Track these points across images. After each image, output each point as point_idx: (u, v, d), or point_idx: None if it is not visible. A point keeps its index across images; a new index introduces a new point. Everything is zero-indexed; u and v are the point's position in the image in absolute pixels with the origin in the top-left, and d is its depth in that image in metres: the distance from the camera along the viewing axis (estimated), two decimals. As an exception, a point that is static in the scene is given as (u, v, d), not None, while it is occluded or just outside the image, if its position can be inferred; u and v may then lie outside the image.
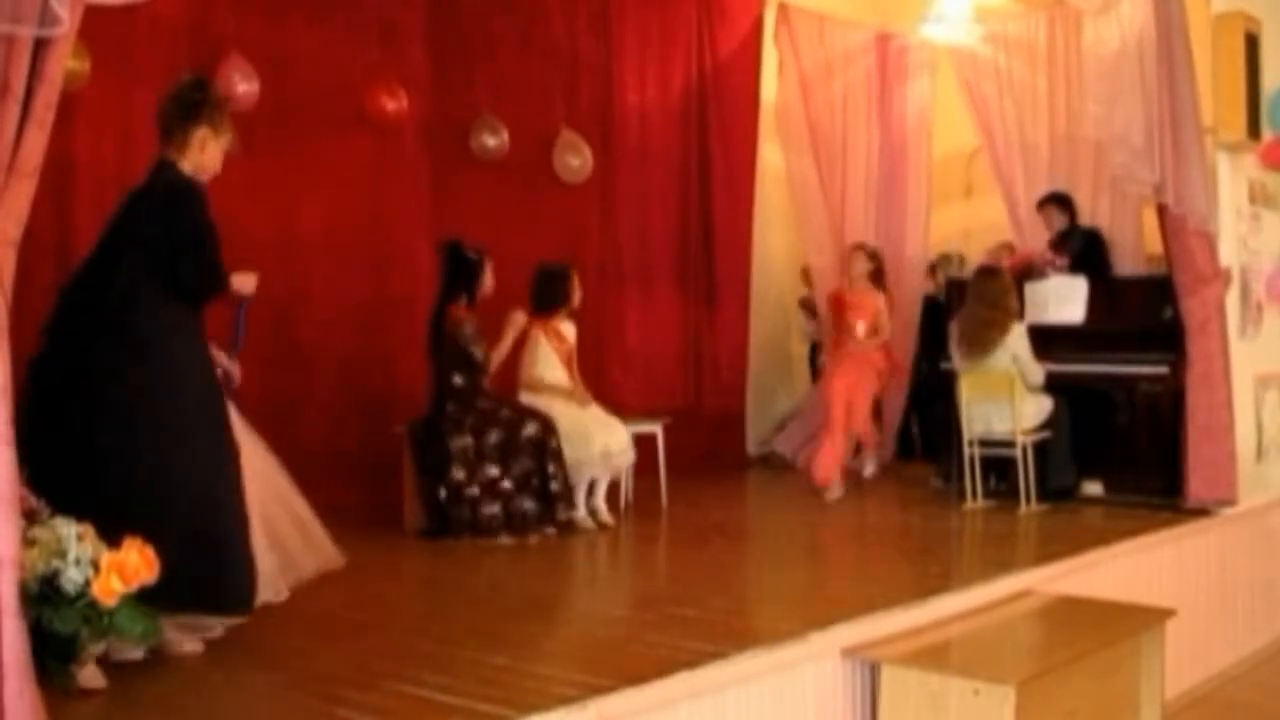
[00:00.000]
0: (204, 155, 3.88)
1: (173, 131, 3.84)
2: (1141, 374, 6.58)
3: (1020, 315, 6.68)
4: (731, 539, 6.08)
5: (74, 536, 3.13)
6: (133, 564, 3.14)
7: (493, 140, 7.40)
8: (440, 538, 5.68)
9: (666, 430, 6.88)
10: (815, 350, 9.20)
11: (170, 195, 3.75)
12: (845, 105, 8.72)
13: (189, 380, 3.72)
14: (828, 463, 6.96)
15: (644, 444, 6.84)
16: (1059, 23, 7.77)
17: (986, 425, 6.48)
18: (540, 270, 6.39)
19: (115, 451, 3.51)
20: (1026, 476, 6.35)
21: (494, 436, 5.79)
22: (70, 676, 3.17)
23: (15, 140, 2.67)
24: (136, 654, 3.47)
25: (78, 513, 3.19)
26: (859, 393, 7.38)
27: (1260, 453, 6.91)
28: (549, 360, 6.30)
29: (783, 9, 8.62)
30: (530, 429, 5.84)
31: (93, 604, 3.10)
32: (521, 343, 6.27)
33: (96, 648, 3.23)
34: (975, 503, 6.52)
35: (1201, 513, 6.16)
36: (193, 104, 3.85)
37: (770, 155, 9.06)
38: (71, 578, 3.08)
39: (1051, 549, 5.30)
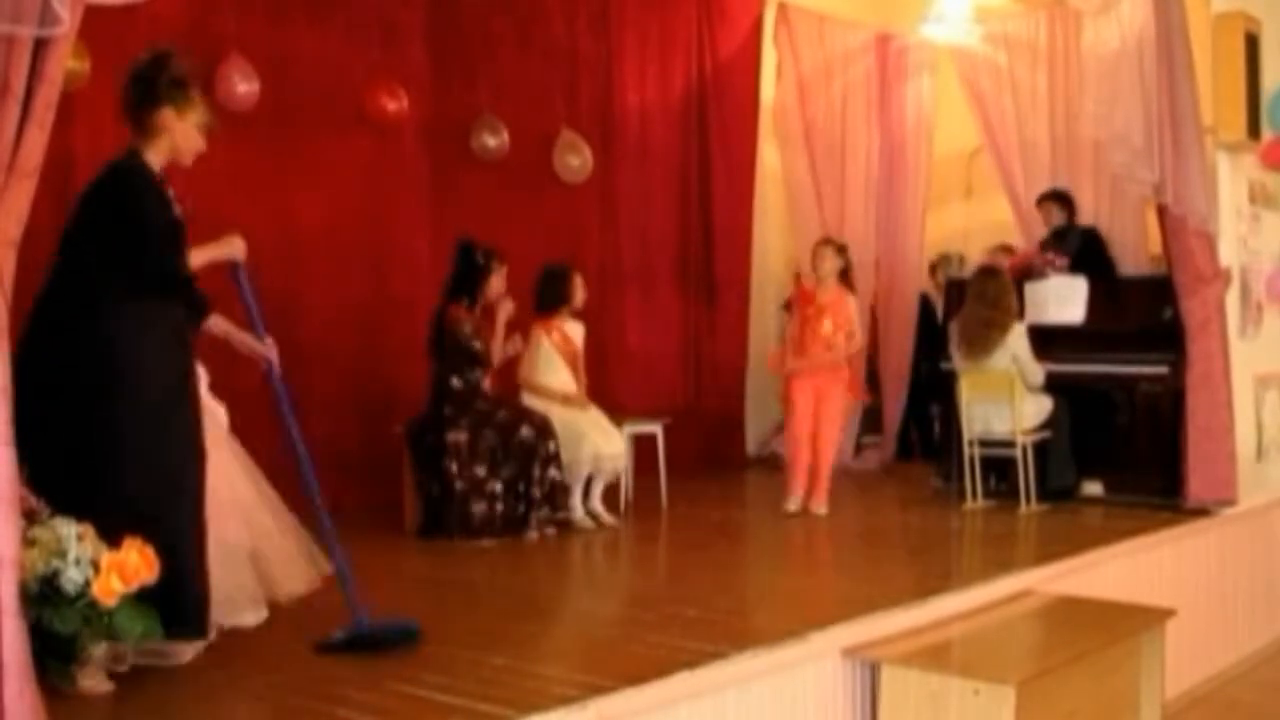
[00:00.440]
0: (175, 138, 3.61)
1: (135, 117, 3.55)
2: (1141, 374, 6.59)
3: (1020, 315, 6.68)
4: (731, 539, 6.08)
5: (74, 536, 3.13)
6: (133, 564, 3.15)
7: (493, 140, 7.40)
8: (434, 536, 5.68)
9: (666, 430, 6.88)
10: None
11: (106, 187, 3.49)
12: (845, 105, 8.72)
13: (153, 382, 3.47)
14: (794, 481, 6.43)
15: (644, 444, 6.85)
16: (1059, 22, 7.77)
17: (986, 425, 6.48)
18: (542, 270, 6.40)
19: (78, 457, 3.34)
20: (1026, 476, 6.35)
21: (489, 438, 5.79)
22: (70, 677, 3.17)
23: (15, 140, 2.67)
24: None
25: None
26: (826, 417, 6.50)
27: (1260, 453, 6.92)
28: (550, 362, 6.30)
29: (782, 9, 8.62)
30: (525, 432, 5.83)
31: (93, 604, 3.10)
32: (526, 341, 6.28)
33: (97, 648, 3.22)
34: (975, 503, 6.52)
35: (1201, 513, 6.16)
36: (150, 83, 3.54)
37: (770, 155, 9.07)
38: (71, 578, 3.08)
39: (1051, 549, 5.30)
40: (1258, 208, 7.04)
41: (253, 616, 3.92)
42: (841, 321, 6.56)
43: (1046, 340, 6.65)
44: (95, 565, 3.11)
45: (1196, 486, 6.19)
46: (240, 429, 4.45)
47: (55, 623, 3.07)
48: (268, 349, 4.09)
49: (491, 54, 7.51)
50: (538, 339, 6.30)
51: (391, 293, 6.99)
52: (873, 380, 8.74)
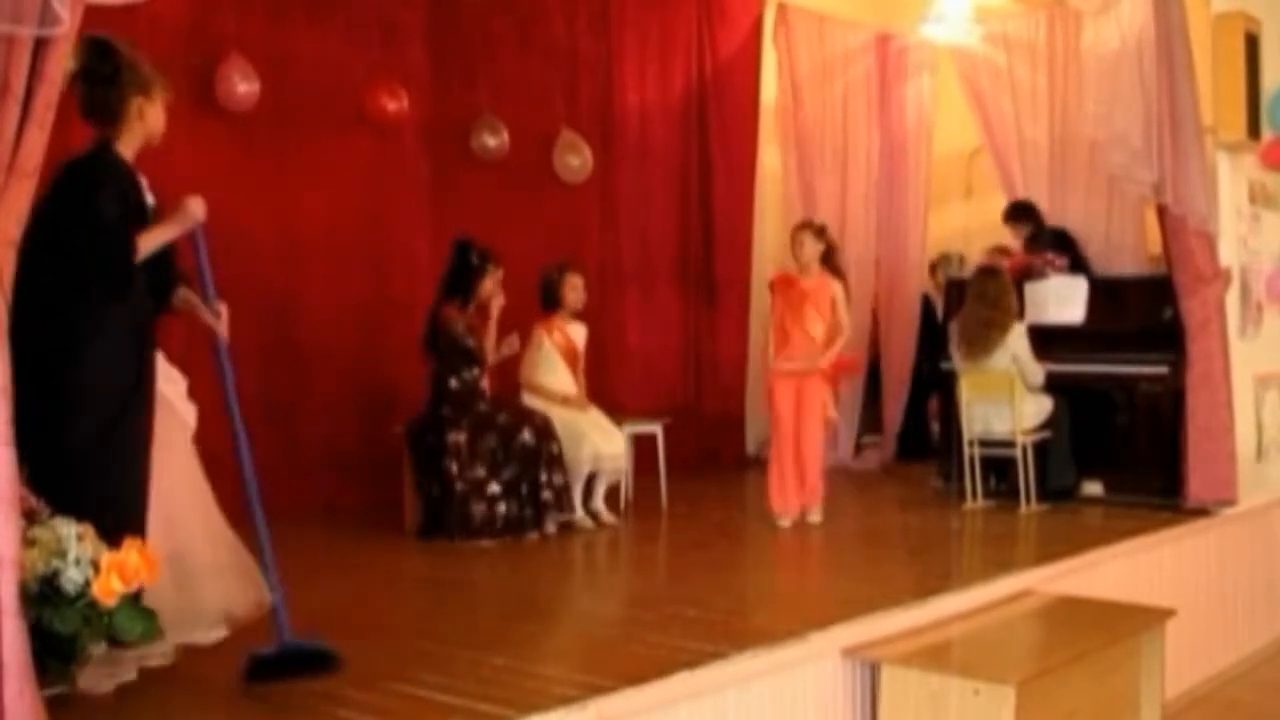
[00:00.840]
0: (147, 124, 3.52)
1: (103, 112, 3.44)
2: (1141, 374, 6.59)
3: (1020, 315, 6.68)
4: (731, 539, 6.08)
5: (74, 536, 3.12)
6: (133, 564, 3.14)
7: (493, 140, 7.40)
8: (434, 537, 5.68)
9: (666, 430, 6.88)
10: None
11: (61, 185, 3.34)
12: (845, 105, 8.71)
13: (107, 384, 3.36)
14: (777, 492, 6.11)
15: (644, 444, 6.85)
16: (1059, 22, 7.76)
17: (986, 425, 6.48)
18: (542, 271, 6.40)
19: (35, 460, 3.14)
20: (1026, 476, 6.35)
21: (490, 440, 5.79)
22: (70, 677, 3.17)
23: (15, 140, 2.67)
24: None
25: None
26: (808, 416, 6.11)
27: (1260, 453, 6.92)
28: (551, 362, 6.30)
29: (782, 9, 8.62)
30: (527, 435, 5.83)
31: (93, 604, 3.10)
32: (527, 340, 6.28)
33: (97, 648, 3.22)
34: (975, 503, 6.52)
35: (1201, 513, 6.16)
36: (112, 76, 3.41)
37: (770, 155, 9.06)
38: (71, 578, 3.08)
39: (1051, 549, 5.30)
40: (1258, 208, 7.04)
41: (211, 634, 3.64)
42: (825, 312, 6.09)
43: (1046, 340, 6.65)
44: (95, 565, 3.10)
45: (1196, 486, 6.19)
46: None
47: (55, 623, 3.06)
48: (218, 322, 3.77)
49: (491, 54, 7.51)
50: (539, 339, 6.30)
51: (391, 293, 6.99)
52: (873, 379, 8.74)
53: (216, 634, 3.64)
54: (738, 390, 8.92)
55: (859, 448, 8.67)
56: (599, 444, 6.09)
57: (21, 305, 3.11)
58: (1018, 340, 6.47)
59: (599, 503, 6.19)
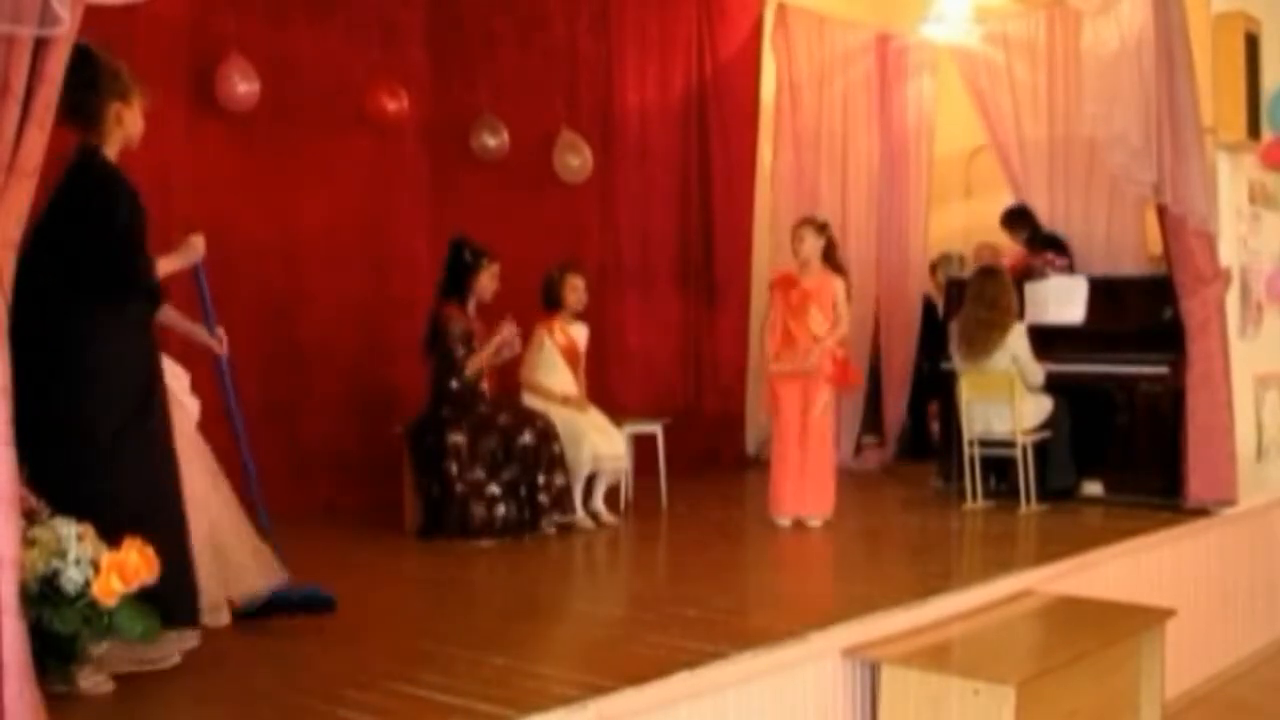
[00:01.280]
0: (126, 129, 3.62)
1: (85, 116, 3.50)
2: (1141, 374, 6.59)
3: (1020, 315, 6.68)
4: (731, 539, 6.08)
5: (74, 536, 3.13)
6: (133, 564, 3.14)
7: (493, 140, 7.40)
8: (433, 537, 5.68)
9: (666, 430, 6.87)
10: None
11: (99, 195, 3.50)
12: (845, 106, 8.71)
13: (125, 386, 3.49)
14: (779, 493, 6.06)
15: (644, 444, 6.85)
16: (1059, 22, 7.76)
17: (986, 425, 6.48)
18: (545, 271, 6.41)
19: (53, 461, 3.31)
20: (1026, 476, 6.35)
21: (490, 441, 5.78)
22: (71, 677, 3.17)
23: (15, 140, 2.67)
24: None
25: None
26: (815, 421, 6.03)
27: (1260, 453, 6.92)
28: (551, 362, 6.30)
29: (782, 10, 8.61)
30: (527, 436, 5.81)
31: (93, 604, 3.10)
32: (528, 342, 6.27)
33: (97, 648, 3.22)
34: (975, 503, 6.52)
35: (1201, 513, 6.16)
36: (92, 82, 3.48)
37: (770, 155, 9.06)
38: (71, 578, 3.08)
39: (1051, 549, 5.30)
40: (1258, 208, 7.04)
41: (211, 619, 3.81)
42: (828, 311, 5.99)
43: (1046, 340, 6.65)
44: (95, 565, 3.11)
45: (1196, 487, 6.19)
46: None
47: (55, 623, 3.06)
48: (219, 343, 4.16)
49: (491, 54, 7.51)
50: (540, 339, 6.30)
51: (391, 293, 6.99)
52: (874, 379, 8.74)
53: (218, 620, 3.85)
54: (738, 390, 8.92)
55: (859, 448, 8.67)
56: (599, 444, 6.09)
57: (35, 309, 3.18)
58: (1018, 340, 6.47)
59: (599, 503, 6.19)
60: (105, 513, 3.26)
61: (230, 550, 3.97)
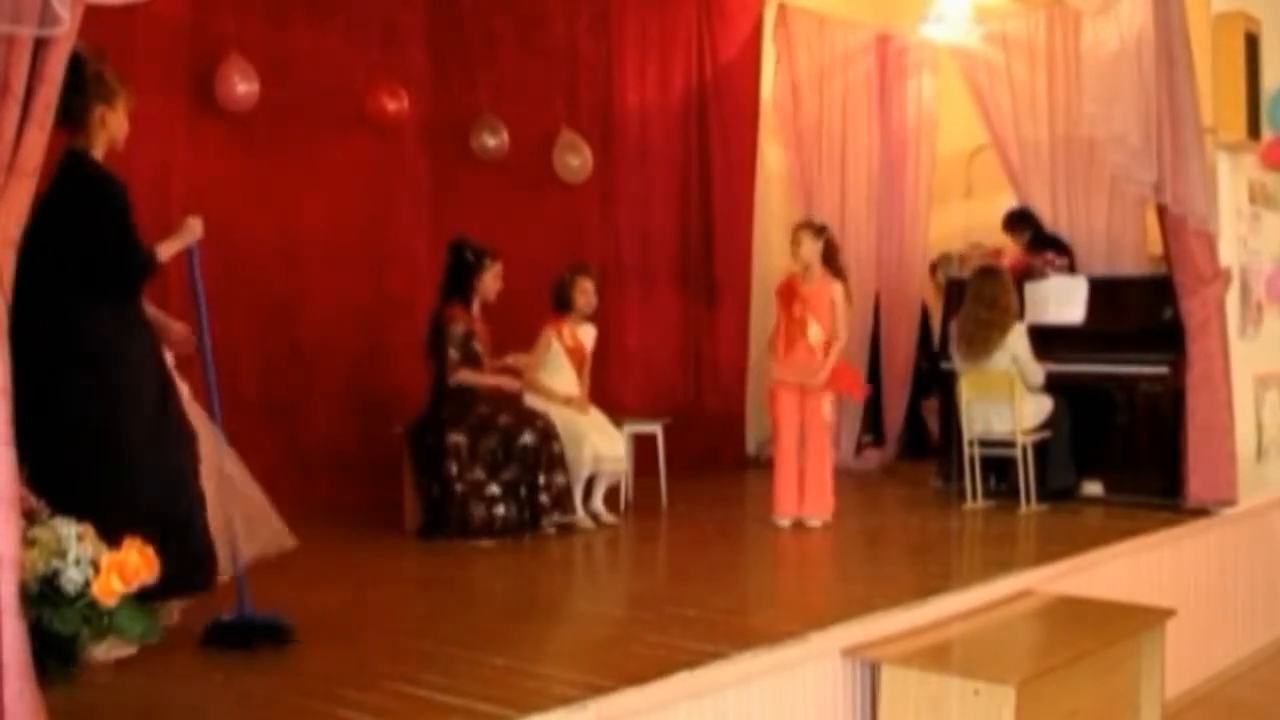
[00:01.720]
0: (110, 131, 3.69)
1: (69, 119, 3.54)
2: (1141, 374, 6.59)
3: (1020, 315, 6.68)
4: (731, 539, 6.08)
5: (74, 536, 3.13)
6: (133, 564, 3.15)
7: (493, 140, 7.40)
8: (433, 537, 5.68)
9: (666, 430, 6.87)
10: None
11: (91, 194, 3.59)
12: (845, 105, 8.71)
13: (147, 380, 3.66)
14: (780, 493, 6.08)
15: (644, 444, 6.85)
16: (1058, 22, 7.76)
17: (986, 425, 6.48)
18: (556, 274, 6.43)
19: (85, 462, 3.47)
20: (1026, 476, 6.35)
21: (490, 441, 5.77)
22: (70, 676, 3.17)
23: (15, 140, 2.67)
24: (130, 650, 3.42)
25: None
26: (813, 427, 6.07)
27: (1260, 453, 6.92)
28: (557, 364, 6.29)
29: (782, 10, 8.62)
30: (528, 437, 5.80)
31: (93, 604, 3.10)
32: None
33: (97, 648, 3.23)
34: (975, 503, 6.52)
35: (1201, 513, 6.16)
36: (77, 85, 3.48)
37: (770, 155, 9.07)
38: (71, 578, 3.08)
39: (1051, 549, 5.30)
40: (1258, 208, 7.04)
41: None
42: (824, 318, 6.02)
43: (1046, 340, 6.65)
44: (95, 565, 3.11)
45: (1196, 487, 6.19)
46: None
47: (55, 623, 3.06)
48: (189, 344, 4.12)
49: (491, 54, 7.51)
50: (548, 340, 6.29)
51: (391, 293, 6.99)
52: (874, 379, 8.74)
53: (223, 576, 3.95)
54: (738, 390, 8.92)
55: (859, 448, 8.67)
56: (599, 445, 6.09)
57: (33, 310, 3.21)
58: (1018, 340, 6.47)
59: (599, 503, 6.19)
60: (133, 504, 3.42)
61: (240, 517, 4.08)
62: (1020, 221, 7.73)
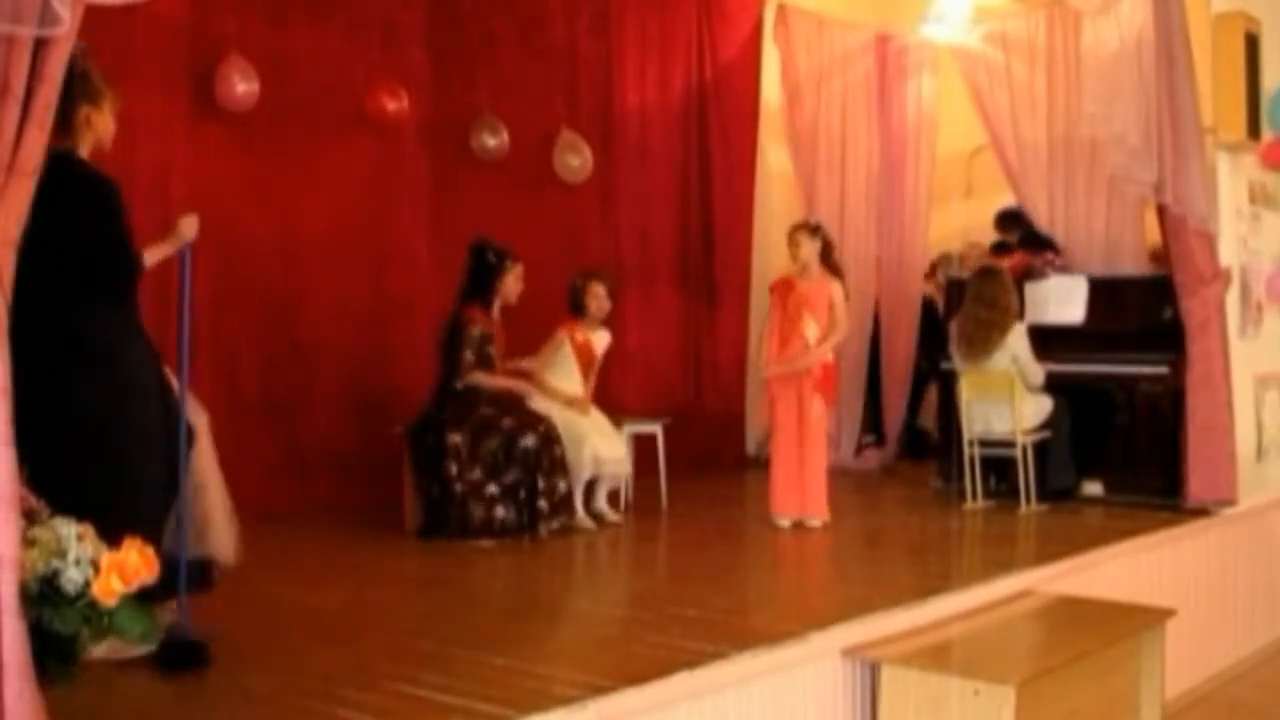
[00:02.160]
0: (96, 131, 3.69)
1: (55, 120, 3.40)
2: (1141, 374, 6.59)
3: (1020, 315, 6.68)
4: (731, 539, 6.08)
5: (74, 536, 3.12)
6: (133, 564, 3.14)
7: (493, 140, 7.40)
8: (433, 536, 5.68)
9: (666, 430, 6.87)
10: None
11: (86, 194, 3.59)
12: (845, 106, 8.71)
13: (147, 380, 3.68)
14: (779, 493, 6.09)
15: (644, 444, 6.85)
16: (1058, 22, 7.76)
17: (986, 425, 6.48)
18: (571, 278, 6.46)
19: (87, 462, 3.48)
20: (1026, 476, 6.35)
21: (491, 442, 5.75)
22: (70, 676, 3.17)
23: (15, 140, 2.67)
24: (140, 651, 3.45)
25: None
26: (810, 425, 6.06)
27: (1260, 453, 6.92)
28: (565, 365, 6.29)
29: (781, 10, 8.62)
30: (529, 440, 5.77)
31: (93, 604, 3.09)
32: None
33: (98, 648, 3.23)
34: (975, 503, 6.52)
35: (1201, 513, 6.16)
36: (64, 85, 3.43)
37: (770, 155, 9.06)
38: (71, 578, 3.07)
39: (1051, 549, 5.30)
40: (1258, 208, 7.04)
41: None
42: (821, 316, 6.01)
43: (1046, 340, 6.65)
44: (95, 565, 3.10)
45: (1196, 487, 6.20)
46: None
47: (55, 623, 3.06)
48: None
49: (491, 54, 7.51)
50: (559, 340, 6.29)
51: (391, 293, 6.99)
52: (874, 379, 8.74)
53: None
54: (738, 390, 8.92)
55: (859, 448, 8.67)
56: (599, 448, 6.07)
57: (42, 313, 3.24)
58: (1018, 340, 6.47)
59: (602, 503, 6.19)
60: (134, 504, 3.44)
61: (211, 516, 4.08)
62: (1010, 222, 7.76)
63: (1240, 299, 6.77)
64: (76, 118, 3.62)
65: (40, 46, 2.68)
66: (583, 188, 7.97)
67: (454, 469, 5.68)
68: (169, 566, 3.44)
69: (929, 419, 8.48)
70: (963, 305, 6.77)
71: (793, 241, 6.15)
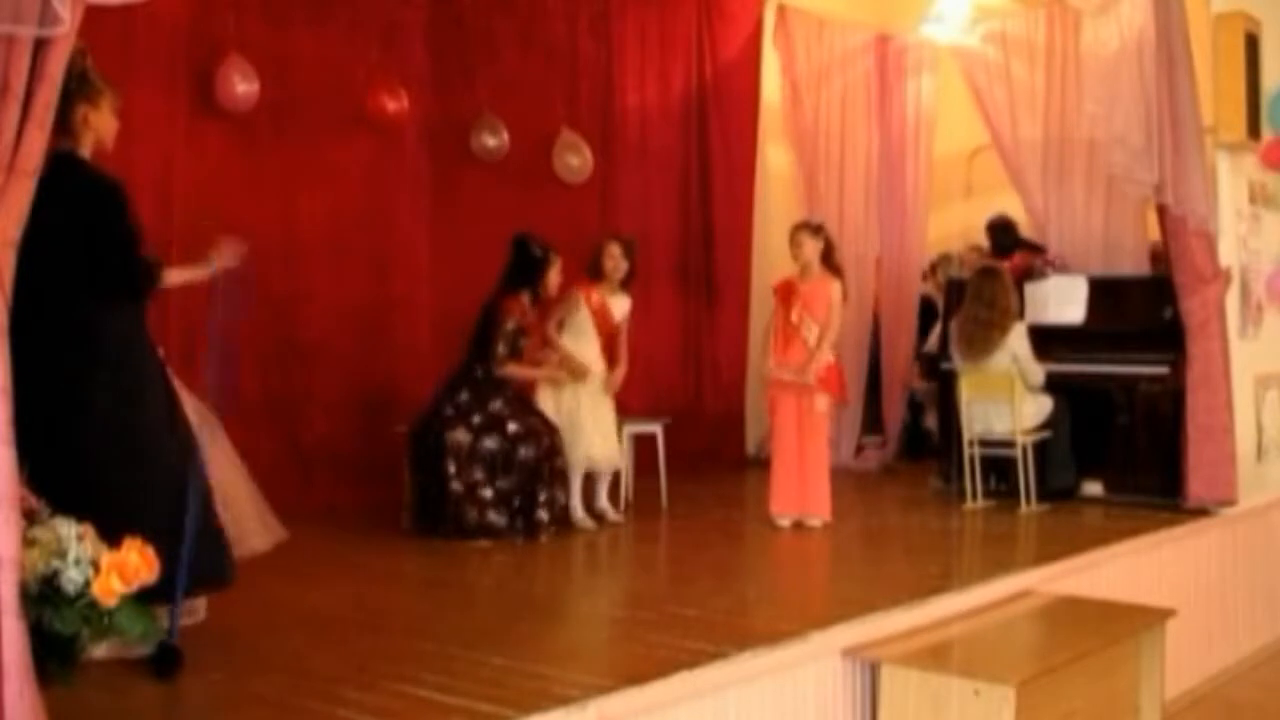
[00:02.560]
0: (96, 131, 3.68)
1: (54, 120, 3.46)
2: (1141, 374, 6.59)
3: (1020, 315, 6.68)
4: (731, 539, 6.08)
5: (74, 536, 3.12)
6: (133, 564, 3.14)
7: (493, 140, 7.40)
8: (432, 536, 5.67)
9: (666, 430, 6.87)
10: None
11: (93, 198, 3.59)
12: (845, 106, 8.71)
13: (153, 380, 3.71)
14: (779, 493, 6.07)
15: (644, 444, 6.85)
16: (1058, 22, 7.76)
17: (986, 425, 6.48)
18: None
19: (100, 464, 3.49)
20: (1026, 476, 6.35)
21: (493, 443, 5.71)
22: (71, 677, 3.17)
23: (15, 140, 2.67)
24: (143, 650, 3.45)
25: None
26: (810, 428, 6.06)
27: (1260, 453, 6.92)
28: (582, 329, 6.19)
29: (781, 10, 8.62)
30: (527, 451, 5.71)
31: (93, 604, 3.09)
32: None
33: (98, 648, 3.23)
34: (975, 503, 6.52)
35: (1201, 513, 6.16)
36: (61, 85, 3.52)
37: (770, 155, 9.06)
38: (71, 578, 3.07)
39: (1051, 549, 5.30)
40: (1258, 208, 7.03)
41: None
42: (820, 317, 5.99)
43: (1046, 340, 6.65)
44: (95, 565, 3.10)
45: (1196, 487, 6.19)
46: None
47: (55, 623, 3.06)
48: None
49: (491, 54, 7.51)
50: (575, 298, 6.20)
51: (391, 293, 6.99)
52: (874, 379, 8.74)
53: None
54: (738, 390, 8.92)
55: (859, 448, 8.67)
56: (591, 445, 6.04)
57: (58, 316, 3.26)
58: (1018, 340, 6.47)
59: (604, 501, 6.18)
60: (166, 493, 3.51)
61: (235, 512, 4.16)
62: (1001, 233, 7.78)
63: (1240, 299, 6.77)
64: (74, 118, 3.61)
65: (40, 46, 2.68)
66: (583, 188, 7.98)
67: (452, 468, 5.66)
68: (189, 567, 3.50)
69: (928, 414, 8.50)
70: (963, 305, 6.77)
71: (794, 241, 6.13)
